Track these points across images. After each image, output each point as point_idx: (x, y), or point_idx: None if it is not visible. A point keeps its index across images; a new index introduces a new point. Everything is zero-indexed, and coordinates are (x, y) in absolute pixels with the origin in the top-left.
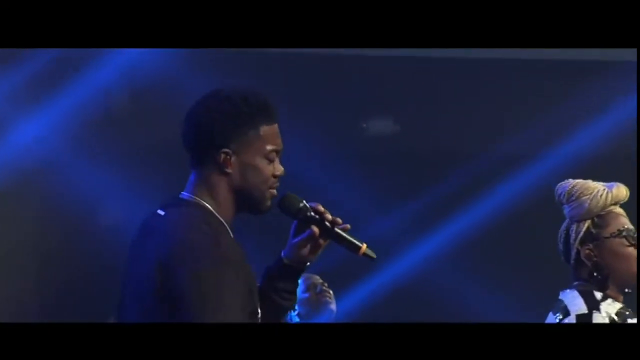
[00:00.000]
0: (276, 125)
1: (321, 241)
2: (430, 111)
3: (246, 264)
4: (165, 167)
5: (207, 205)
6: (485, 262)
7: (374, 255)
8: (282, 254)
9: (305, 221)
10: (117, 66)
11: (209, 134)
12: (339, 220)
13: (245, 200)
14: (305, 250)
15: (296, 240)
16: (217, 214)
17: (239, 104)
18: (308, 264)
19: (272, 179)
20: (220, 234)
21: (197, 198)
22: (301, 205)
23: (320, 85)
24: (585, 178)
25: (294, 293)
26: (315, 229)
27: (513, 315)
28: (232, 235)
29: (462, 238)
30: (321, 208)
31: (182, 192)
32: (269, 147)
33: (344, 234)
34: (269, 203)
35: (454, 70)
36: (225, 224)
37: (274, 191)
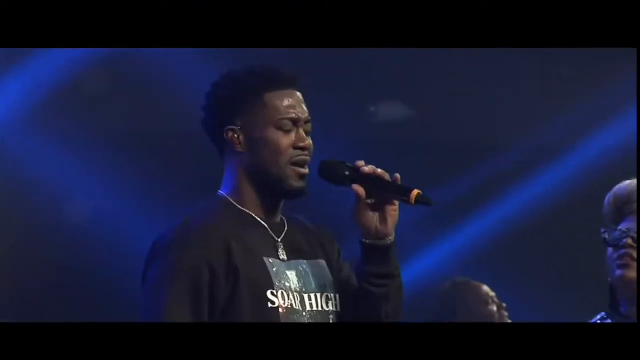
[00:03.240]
0: (291, 92)
1: (389, 206)
2: (449, 98)
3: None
4: (146, 156)
5: (227, 198)
6: (508, 265)
7: (429, 201)
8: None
9: (347, 184)
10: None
11: (214, 116)
12: (380, 171)
13: (265, 181)
14: (370, 220)
15: (354, 210)
16: (237, 205)
17: (240, 77)
18: (389, 238)
19: (292, 151)
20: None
21: (222, 192)
22: (339, 167)
23: (324, 69)
24: (621, 174)
25: (386, 277)
26: (356, 187)
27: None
28: (263, 224)
29: (482, 239)
30: (360, 163)
31: None
32: (278, 116)
33: (388, 182)
34: (296, 183)
35: (476, 57)
36: (251, 214)
37: (300, 169)
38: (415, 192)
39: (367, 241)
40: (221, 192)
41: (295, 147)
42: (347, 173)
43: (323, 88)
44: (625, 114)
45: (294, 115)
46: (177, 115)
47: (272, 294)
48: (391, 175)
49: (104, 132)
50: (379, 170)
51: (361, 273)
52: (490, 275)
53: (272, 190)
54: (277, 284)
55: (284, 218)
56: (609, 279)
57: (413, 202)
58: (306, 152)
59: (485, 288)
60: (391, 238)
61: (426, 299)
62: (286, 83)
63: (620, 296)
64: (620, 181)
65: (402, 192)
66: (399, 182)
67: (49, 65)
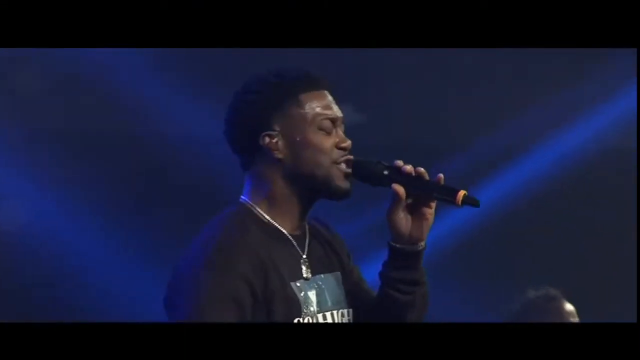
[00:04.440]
0: (324, 92)
1: (425, 209)
2: (401, 100)
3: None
4: (75, 156)
5: (254, 208)
6: (467, 268)
7: (477, 201)
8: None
9: (386, 184)
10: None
11: (246, 122)
12: (422, 170)
13: (311, 186)
14: (405, 223)
15: (388, 212)
16: (265, 215)
17: (270, 80)
18: (421, 243)
19: (336, 151)
20: (241, 240)
21: (247, 201)
22: (375, 166)
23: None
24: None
25: (414, 284)
26: (397, 187)
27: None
28: (290, 239)
29: (441, 244)
30: (399, 162)
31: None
32: (318, 116)
33: (432, 182)
34: (342, 183)
35: (430, 56)
36: (278, 226)
37: (344, 167)
38: (462, 192)
39: (398, 245)
40: (245, 199)
41: (339, 148)
42: (385, 172)
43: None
44: (625, 114)
45: (333, 115)
46: (108, 116)
47: (298, 322)
48: (432, 175)
49: (34, 132)
50: (421, 169)
51: (387, 278)
52: (511, 277)
53: (317, 193)
54: (304, 310)
55: (306, 226)
56: None
57: (460, 203)
58: (348, 153)
59: (568, 306)
60: (423, 243)
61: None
62: (318, 84)
63: None
64: (620, 181)
65: (447, 193)
66: (442, 182)
67: None
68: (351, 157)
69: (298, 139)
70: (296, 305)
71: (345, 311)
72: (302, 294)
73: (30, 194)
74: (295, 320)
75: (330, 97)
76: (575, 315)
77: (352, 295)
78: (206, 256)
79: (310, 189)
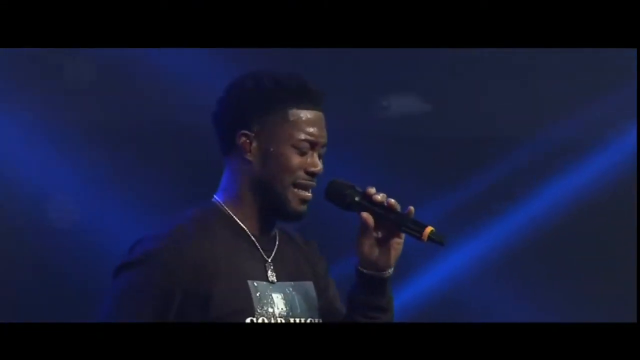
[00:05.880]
0: (316, 113)
1: (394, 238)
2: (466, 92)
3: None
4: (134, 154)
5: (223, 207)
6: (536, 268)
7: (442, 240)
8: (356, 261)
9: (356, 210)
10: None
11: (229, 115)
12: (393, 201)
13: (266, 198)
14: (372, 250)
15: (356, 238)
16: (233, 216)
17: (266, 82)
18: (389, 270)
19: (301, 174)
20: (205, 243)
21: (218, 200)
22: (348, 190)
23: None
24: None
25: (383, 310)
26: (365, 216)
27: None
28: (255, 243)
29: (507, 240)
30: (371, 190)
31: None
32: (298, 135)
33: (401, 214)
34: (297, 207)
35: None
36: (245, 229)
37: (305, 192)
38: (429, 229)
39: (365, 271)
40: (217, 198)
41: (307, 172)
42: (357, 199)
43: (330, 85)
44: (625, 114)
45: (313, 138)
46: (168, 112)
47: (252, 321)
48: (404, 207)
49: (90, 128)
50: (392, 201)
51: (353, 301)
52: (512, 278)
53: (271, 209)
54: (258, 310)
55: (277, 232)
56: None
57: (425, 239)
58: (314, 179)
59: None
60: (390, 271)
61: None
62: (313, 101)
63: None
64: (621, 180)
65: (414, 228)
66: (412, 215)
67: (30, 60)
68: (314, 183)
69: (271, 149)
70: (247, 305)
71: (316, 321)
72: (258, 294)
73: (79, 189)
74: (249, 320)
75: (320, 119)
76: None
77: (324, 310)
78: (150, 248)
79: (265, 201)
